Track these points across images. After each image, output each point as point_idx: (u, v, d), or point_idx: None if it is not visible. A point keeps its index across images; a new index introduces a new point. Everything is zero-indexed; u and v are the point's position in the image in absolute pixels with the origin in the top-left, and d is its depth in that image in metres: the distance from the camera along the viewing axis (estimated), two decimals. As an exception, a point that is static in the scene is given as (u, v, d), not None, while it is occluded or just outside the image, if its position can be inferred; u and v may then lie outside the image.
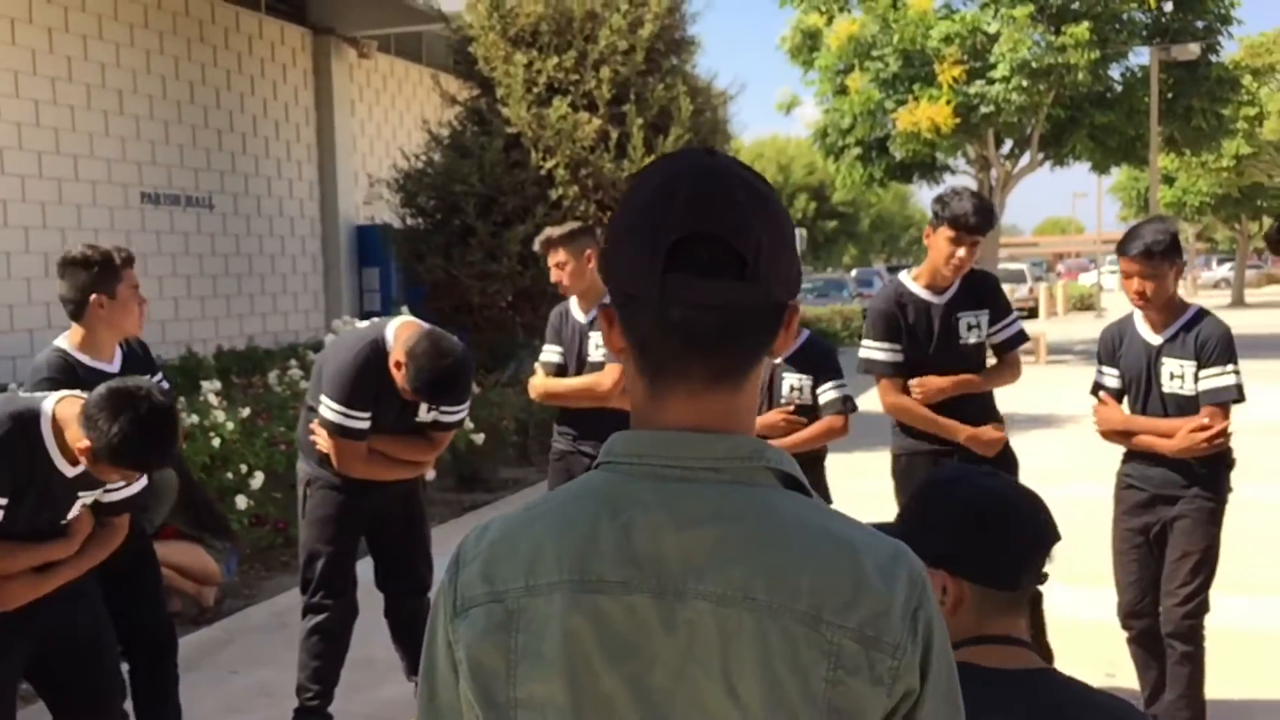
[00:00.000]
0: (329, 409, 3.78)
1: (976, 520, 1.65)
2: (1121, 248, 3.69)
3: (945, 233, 3.90)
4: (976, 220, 3.88)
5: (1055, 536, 1.69)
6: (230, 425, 6.56)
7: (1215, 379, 3.66)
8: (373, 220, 13.21)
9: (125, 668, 3.64)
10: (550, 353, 4.58)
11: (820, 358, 4.22)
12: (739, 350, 1.11)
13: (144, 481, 3.24)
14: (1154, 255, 3.59)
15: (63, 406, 2.89)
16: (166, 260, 10.56)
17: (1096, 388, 3.98)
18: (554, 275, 4.44)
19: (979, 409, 4.08)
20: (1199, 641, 3.74)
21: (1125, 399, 3.90)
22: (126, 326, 3.67)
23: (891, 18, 18.36)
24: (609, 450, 1.14)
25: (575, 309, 4.55)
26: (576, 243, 4.40)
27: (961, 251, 3.91)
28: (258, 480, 6.53)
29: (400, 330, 3.80)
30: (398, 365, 3.70)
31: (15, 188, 9.00)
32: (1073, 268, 57.96)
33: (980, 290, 4.10)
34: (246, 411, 6.89)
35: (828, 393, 4.15)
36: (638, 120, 10.14)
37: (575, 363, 4.52)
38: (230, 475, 6.47)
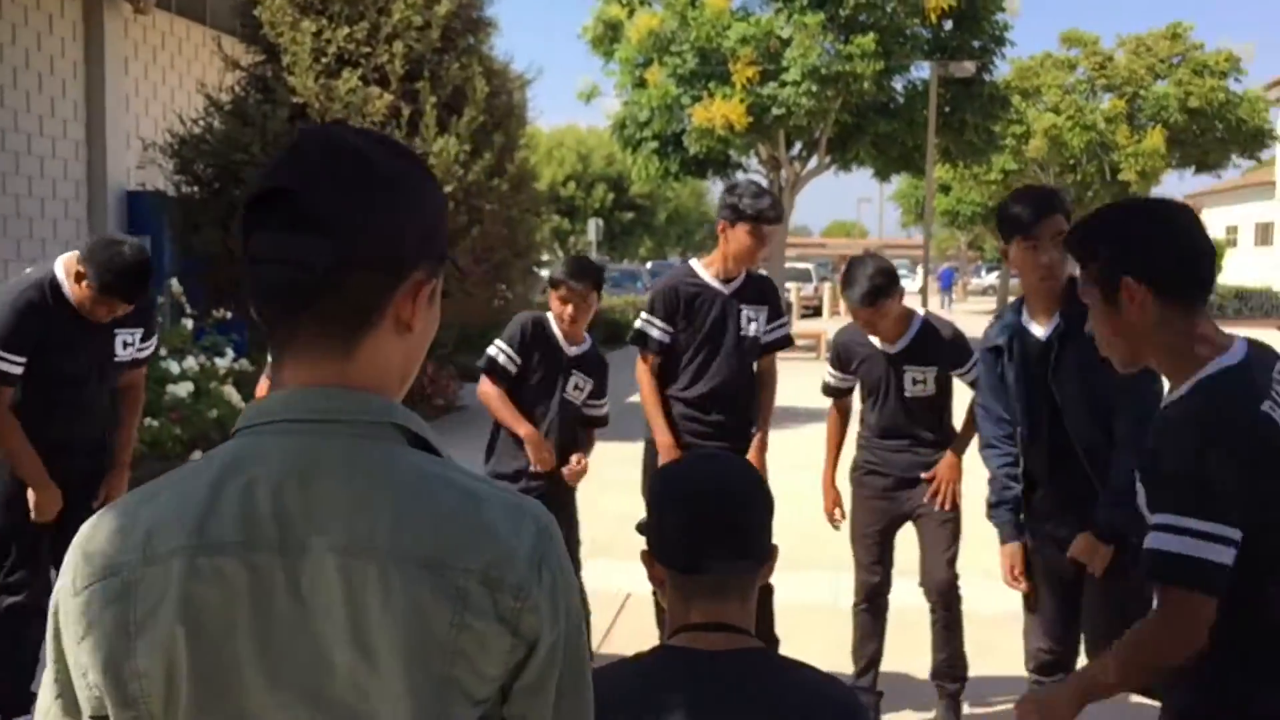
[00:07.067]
0: None
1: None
2: (846, 291, 3.92)
3: (747, 228, 4.10)
4: (775, 213, 4.15)
5: (751, 517, 1.62)
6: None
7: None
8: (144, 186, 12.45)
9: None
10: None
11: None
12: (328, 312, 1.07)
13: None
14: (875, 300, 3.84)
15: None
16: (-95, 218, 9.69)
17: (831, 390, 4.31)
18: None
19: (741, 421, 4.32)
20: (959, 601, 4.07)
21: (867, 402, 4.18)
22: None
23: (690, 15, 18.66)
24: (243, 418, 1.10)
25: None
26: None
27: (761, 247, 4.17)
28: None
29: (65, 259, 3.80)
30: (79, 276, 3.68)
31: None
32: (855, 269, 60.39)
33: (763, 288, 4.35)
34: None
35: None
36: (431, 98, 9.94)
37: None
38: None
